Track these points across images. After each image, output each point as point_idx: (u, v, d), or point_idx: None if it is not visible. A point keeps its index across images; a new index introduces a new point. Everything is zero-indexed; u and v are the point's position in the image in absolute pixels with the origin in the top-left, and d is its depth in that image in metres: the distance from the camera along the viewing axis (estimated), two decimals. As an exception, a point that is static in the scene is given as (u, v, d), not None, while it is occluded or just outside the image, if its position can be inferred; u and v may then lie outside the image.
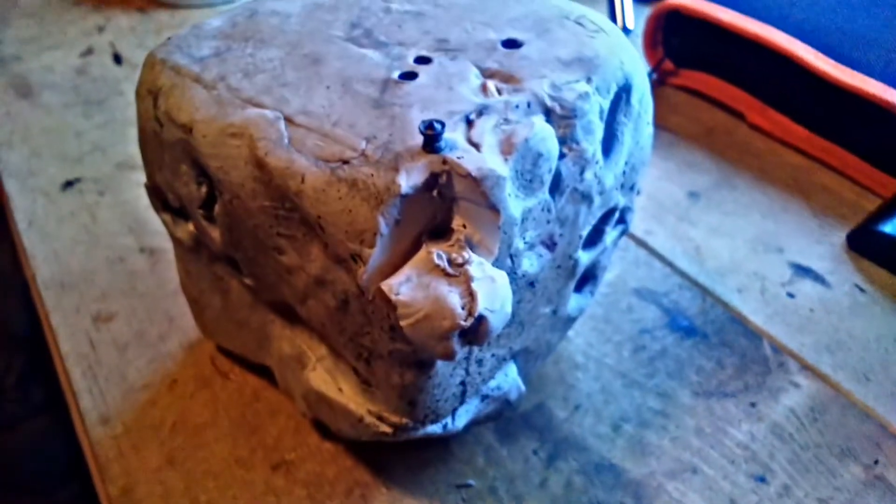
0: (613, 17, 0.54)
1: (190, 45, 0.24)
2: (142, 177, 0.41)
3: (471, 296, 0.19)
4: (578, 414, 0.29)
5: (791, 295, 0.34)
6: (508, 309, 0.19)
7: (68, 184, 0.40)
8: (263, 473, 0.27)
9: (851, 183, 0.40)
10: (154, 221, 0.38)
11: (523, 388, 0.26)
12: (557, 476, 0.27)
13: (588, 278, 0.28)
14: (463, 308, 0.19)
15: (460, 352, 0.19)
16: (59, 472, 1.34)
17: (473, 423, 0.26)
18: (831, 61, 0.40)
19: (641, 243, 0.37)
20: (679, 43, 0.48)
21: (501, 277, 0.20)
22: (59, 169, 0.41)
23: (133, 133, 0.44)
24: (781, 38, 0.42)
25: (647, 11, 0.57)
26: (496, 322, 0.19)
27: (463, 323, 0.19)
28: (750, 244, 0.37)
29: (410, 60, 0.23)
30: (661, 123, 0.45)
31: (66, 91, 0.48)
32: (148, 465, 0.27)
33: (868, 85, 0.39)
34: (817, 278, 0.35)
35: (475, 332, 0.19)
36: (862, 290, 0.34)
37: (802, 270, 0.35)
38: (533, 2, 0.26)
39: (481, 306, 0.19)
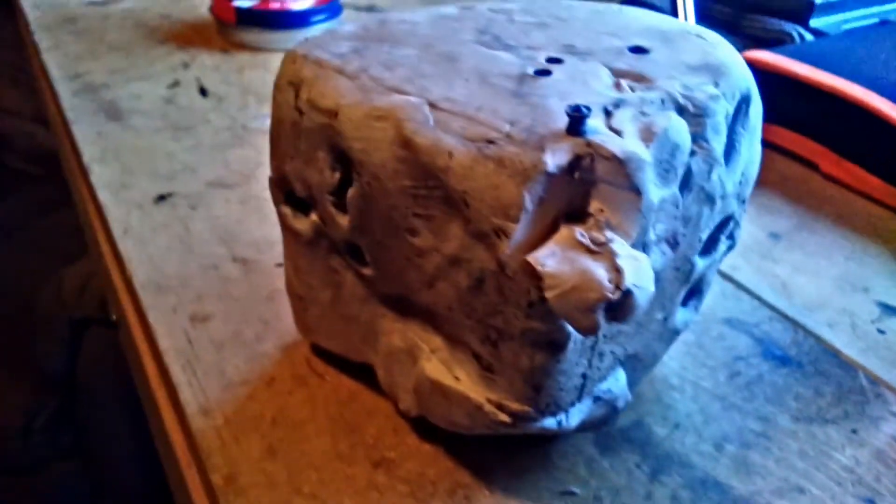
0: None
1: (328, 44, 0.26)
2: (231, 194, 0.42)
3: (617, 271, 0.19)
4: (679, 432, 0.28)
5: (882, 331, 0.34)
6: (652, 287, 0.20)
7: (161, 198, 0.41)
8: (365, 469, 0.27)
9: (932, 231, 0.41)
10: (245, 234, 0.39)
11: (630, 396, 0.26)
12: (663, 490, 0.26)
13: (694, 292, 0.28)
14: (610, 282, 0.19)
15: (604, 326, 0.19)
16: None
17: (582, 427, 0.25)
18: (908, 112, 0.41)
19: (727, 277, 0.37)
20: (751, 95, 0.49)
21: (643, 258, 0.20)
22: (151, 184, 0.43)
23: (221, 157, 0.45)
24: (857, 90, 0.43)
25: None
26: (642, 298, 0.19)
27: (611, 295, 0.19)
28: (835, 282, 0.37)
29: (542, 60, 0.24)
30: (734, 170, 0.46)
31: (154, 117, 0.50)
32: (250, 455, 0.27)
33: (948, 135, 0.39)
34: (907, 317, 0.35)
35: (621, 306, 0.19)
36: (954, 330, 0.34)
37: (891, 310, 0.35)
38: (653, 19, 0.27)
39: (628, 281, 0.19)
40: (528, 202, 0.20)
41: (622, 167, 0.20)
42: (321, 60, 0.25)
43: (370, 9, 0.71)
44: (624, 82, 0.23)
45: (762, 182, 0.45)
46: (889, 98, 0.43)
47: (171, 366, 0.31)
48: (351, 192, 0.24)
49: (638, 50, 0.25)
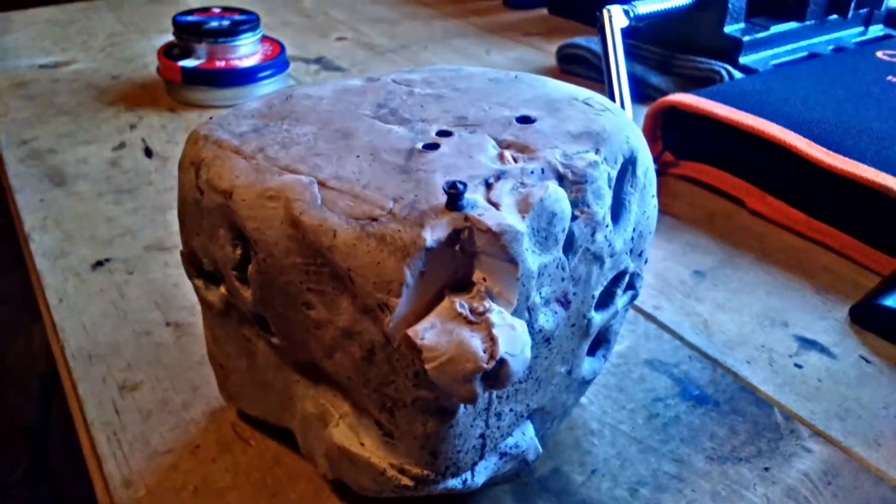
0: (616, 114, 0.57)
1: (230, 123, 0.27)
2: (169, 257, 0.43)
3: (492, 340, 0.20)
4: (595, 478, 0.29)
5: (799, 366, 0.35)
6: (528, 354, 0.21)
7: (98, 263, 0.42)
8: (284, 535, 0.27)
9: (851, 262, 0.42)
10: (180, 298, 0.39)
11: (540, 448, 0.27)
12: (575, 539, 0.27)
13: (601, 342, 0.29)
14: (485, 352, 0.20)
15: (482, 395, 0.20)
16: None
17: (491, 482, 0.26)
18: (823, 149, 0.43)
19: (651, 317, 0.38)
20: (677, 136, 0.51)
21: (521, 325, 0.21)
22: (89, 250, 0.43)
23: (162, 218, 0.46)
24: (775, 129, 0.45)
25: (645, 110, 0.60)
26: (516, 366, 0.20)
27: (485, 365, 0.20)
28: (756, 319, 0.38)
29: (433, 133, 0.25)
30: (663, 209, 0.47)
31: (98, 180, 0.51)
32: (170, 526, 0.27)
33: (860, 170, 0.41)
34: (823, 350, 0.36)
35: (497, 375, 0.20)
36: (868, 360, 0.35)
37: (808, 343, 0.36)
38: (544, 86, 0.28)
39: (502, 350, 0.20)
40: (409, 277, 0.21)
41: (498, 239, 0.21)
42: (220, 141, 0.26)
43: (318, 61, 0.73)
44: (508, 153, 0.24)
45: (688, 219, 0.46)
46: (806, 135, 0.44)
47: (97, 437, 0.31)
48: (250, 268, 0.24)
49: (524, 120, 0.26)
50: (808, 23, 0.64)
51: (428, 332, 0.20)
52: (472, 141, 0.25)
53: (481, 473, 0.25)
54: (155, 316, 0.38)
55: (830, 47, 0.65)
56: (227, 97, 0.61)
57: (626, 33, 0.62)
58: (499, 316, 0.21)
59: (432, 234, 0.21)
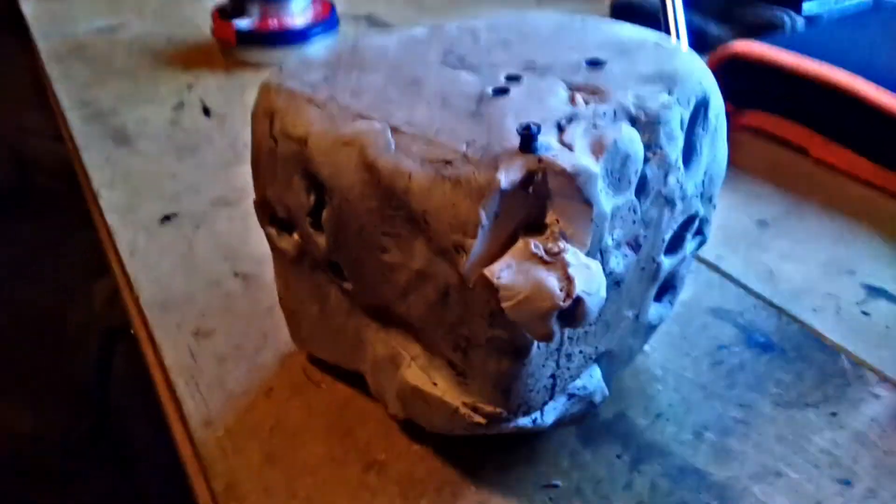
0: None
1: (300, 73, 0.27)
2: (234, 211, 0.44)
3: (568, 279, 0.20)
4: (660, 422, 0.30)
5: (866, 313, 0.34)
6: (603, 293, 0.21)
7: (166, 218, 0.43)
8: (357, 472, 0.28)
9: (920, 211, 0.41)
10: (246, 250, 0.40)
11: (607, 391, 0.27)
12: (642, 479, 0.27)
13: (668, 288, 0.29)
14: (561, 290, 0.20)
15: (558, 333, 0.21)
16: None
17: (559, 423, 0.27)
18: (892, 94, 0.42)
19: (714, 267, 0.37)
20: (740, 86, 0.49)
21: (595, 265, 0.21)
22: (157, 205, 0.45)
23: (224, 174, 0.47)
24: (842, 75, 0.44)
25: (705, 61, 0.59)
26: (592, 304, 0.20)
27: (562, 304, 0.20)
28: (822, 268, 0.37)
29: (501, 78, 0.25)
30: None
31: (160, 139, 0.52)
32: (250, 463, 0.29)
33: (932, 115, 0.40)
34: (891, 298, 0.35)
35: (573, 313, 0.20)
36: (939, 309, 0.34)
37: (876, 291, 0.36)
38: (613, 30, 0.28)
39: (579, 288, 0.20)
40: (484, 218, 0.21)
41: (572, 181, 0.21)
42: (293, 90, 0.26)
43: (368, 18, 0.73)
44: (579, 96, 0.24)
45: (751, 169, 0.45)
46: (874, 81, 0.43)
47: (176, 380, 0.33)
48: (325, 213, 0.25)
49: (594, 63, 0.26)
50: (874, -34, 0.62)
51: (504, 272, 0.21)
52: (541, 85, 0.25)
53: (550, 413, 0.26)
54: (223, 267, 0.39)
55: (898, -8, 0.62)
56: (280, 56, 0.62)
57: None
58: (574, 256, 0.21)
59: (507, 176, 0.21)
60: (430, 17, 0.73)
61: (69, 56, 0.66)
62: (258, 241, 0.41)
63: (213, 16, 0.64)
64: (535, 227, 0.22)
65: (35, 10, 0.79)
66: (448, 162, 0.22)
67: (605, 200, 0.22)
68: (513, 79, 0.25)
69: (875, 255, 0.38)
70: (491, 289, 0.21)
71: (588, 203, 0.22)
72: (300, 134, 0.25)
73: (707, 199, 0.28)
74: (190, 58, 0.65)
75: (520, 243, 0.22)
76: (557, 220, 0.22)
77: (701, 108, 0.26)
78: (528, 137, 0.21)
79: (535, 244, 0.21)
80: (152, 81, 0.61)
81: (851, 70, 0.44)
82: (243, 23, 0.61)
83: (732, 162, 0.46)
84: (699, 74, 0.26)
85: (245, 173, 0.47)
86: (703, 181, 0.27)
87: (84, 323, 1.21)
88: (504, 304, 0.21)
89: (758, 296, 0.36)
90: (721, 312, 0.35)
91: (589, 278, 0.21)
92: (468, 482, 0.27)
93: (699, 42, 0.61)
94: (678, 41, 0.53)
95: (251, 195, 0.45)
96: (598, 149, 0.22)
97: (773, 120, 0.48)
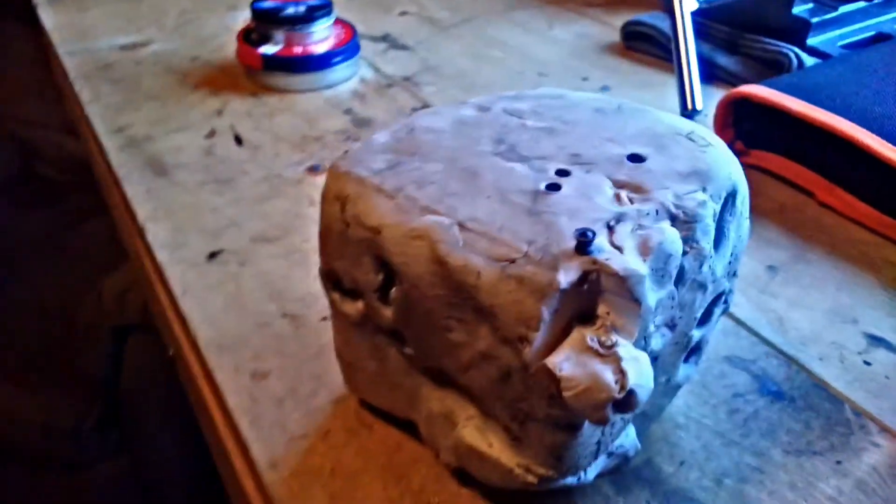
0: (683, 98, 0.58)
1: (366, 159, 0.30)
2: (273, 249, 0.46)
3: (622, 373, 0.23)
4: (684, 469, 0.33)
5: (868, 363, 0.38)
6: (651, 384, 0.24)
7: (212, 255, 0.46)
8: (414, 516, 0.31)
9: (917, 258, 0.44)
10: (290, 289, 0.43)
11: (639, 446, 0.31)
12: (670, 524, 0.31)
13: (694, 350, 0.32)
14: (616, 383, 0.23)
15: (612, 418, 0.24)
16: (131, 514, 1.39)
17: (599, 476, 0.30)
18: (892, 146, 0.45)
19: (729, 315, 0.41)
20: (749, 126, 0.53)
21: (644, 357, 0.24)
22: (201, 241, 0.47)
23: (261, 209, 0.50)
24: (846, 125, 0.46)
25: (713, 92, 0.62)
26: (643, 395, 0.23)
27: (617, 396, 0.23)
28: (827, 315, 0.41)
29: (552, 173, 0.28)
30: (735, 200, 0.49)
31: (196, 170, 0.54)
32: (315, 503, 0.32)
33: (930, 170, 0.43)
34: (890, 347, 0.39)
35: (627, 402, 0.23)
36: (933, 358, 0.38)
37: (876, 340, 0.39)
38: (645, 118, 0.31)
39: (631, 381, 0.23)
40: (546, 314, 0.24)
41: (624, 282, 0.24)
42: (362, 178, 0.29)
43: (384, 39, 0.75)
44: (623, 194, 0.27)
45: (761, 212, 0.48)
46: (877, 132, 0.46)
47: (240, 422, 0.36)
48: (394, 292, 0.28)
49: (635, 158, 0.29)
50: (875, 0, 0.64)
51: (565, 364, 0.24)
52: (589, 181, 0.28)
53: (592, 471, 0.29)
54: (271, 308, 0.42)
55: (898, 25, 0.65)
56: (306, 82, 0.64)
57: (695, 12, 0.63)
58: (625, 350, 0.24)
59: (565, 277, 0.24)
60: (444, 38, 0.75)
61: (97, 76, 0.68)
62: (301, 281, 0.44)
63: (238, 39, 0.66)
64: (587, 316, 0.25)
65: (55, 21, 0.81)
66: (512, 261, 0.25)
67: (651, 296, 0.25)
68: (562, 173, 0.28)
69: (875, 304, 0.41)
70: (552, 378, 0.24)
71: (637, 301, 0.24)
72: (373, 224, 0.27)
73: (732, 273, 0.31)
74: (216, 80, 0.67)
75: (576, 334, 0.25)
76: (608, 313, 0.25)
77: (730, 198, 0.29)
78: (584, 243, 0.24)
79: (591, 337, 0.24)
80: (182, 105, 0.63)
81: (855, 119, 0.47)
82: (269, 49, 0.64)
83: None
84: (728, 168, 0.29)
85: (281, 209, 0.50)
86: (730, 260, 0.30)
87: (94, 317, 1.23)
88: (565, 394, 0.24)
89: (769, 343, 0.39)
90: (736, 360, 0.38)
91: (639, 371, 0.24)
92: (514, 526, 0.31)
93: (708, 72, 0.64)
94: (682, 83, 0.56)
95: (289, 232, 0.48)
96: (645, 250, 0.25)
97: (781, 161, 0.51)
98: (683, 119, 0.31)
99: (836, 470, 0.33)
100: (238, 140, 0.58)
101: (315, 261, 0.45)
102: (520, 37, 0.75)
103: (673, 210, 0.26)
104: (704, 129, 0.31)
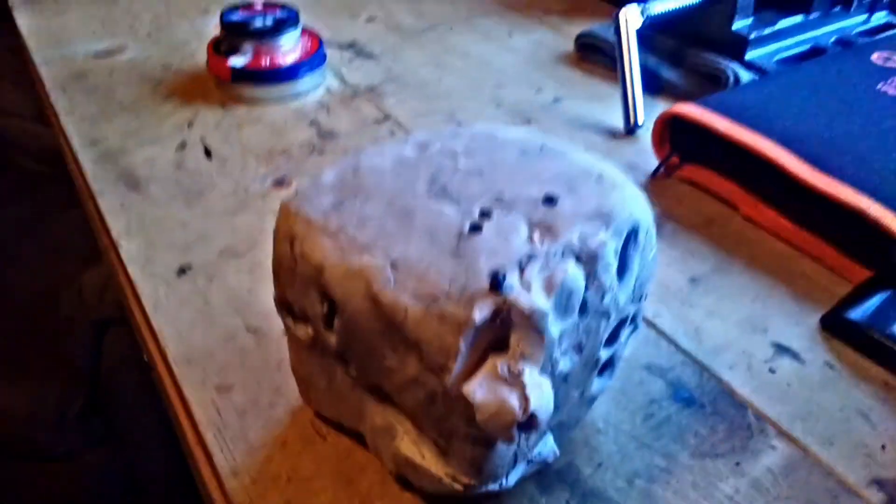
0: (627, 114, 0.62)
1: (313, 198, 0.33)
2: (240, 263, 0.50)
3: (525, 398, 0.27)
4: (600, 470, 0.37)
5: (772, 371, 0.42)
6: (551, 407, 0.28)
7: (182, 270, 0.49)
8: (360, 515, 0.35)
9: (828, 271, 0.48)
10: (255, 304, 0.47)
11: (558, 452, 0.35)
12: (584, 519, 0.35)
13: (607, 365, 0.36)
14: (520, 408, 0.27)
15: (517, 437, 0.28)
16: (116, 500, 1.43)
17: (520, 481, 0.34)
18: (808, 166, 0.49)
19: (651, 324, 0.45)
20: (683, 142, 0.56)
21: (546, 384, 0.28)
22: (171, 256, 0.50)
23: (229, 223, 0.53)
24: (768, 145, 0.50)
25: (657, 104, 0.66)
26: (543, 417, 0.27)
27: (520, 419, 0.27)
28: (740, 325, 0.45)
29: (476, 215, 0.32)
30: (667, 213, 0.53)
31: (168, 184, 0.57)
32: (272, 508, 0.36)
33: (839, 191, 0.47)
34: (795, 356, 0.43)
35: (529, 424, 0.27)
36: (831, 366, 0.42)
37: (783, 349, 0.43)
38: (563, 160, 0.35)
39: (533, 406, 0.27)
40: (463, 346, 0.28)
41: (530, 318, 0.28)
42: (308, 219, 0.32)
43: (352, 46, 0.78)
44: (536, 234, 0.31)
45: (688, 224, 0.52)
46: (796, 152, 0.50)
47: (205, 433, 0.39)
48: (336, 322, 0.32)
49: (549, 200, 0.32)
50: (812, 15, 0.68)
51: (478, 391, 0.28)
52: (507, 222, 0.31)
53: (513, 476, 0.33)
54: (236, 322, 0.46)
55: (833, 39, 0.69)
56: (273, 94, 0.67)
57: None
58: (530, 377, 0.28)
59: (480, 314, 0.28)
60: (409, 46, 0.78)
61: (72, 85, 0.71)
62: (265, 296, 0.47)
63: (208, 49, 0.69)
64: (501, 344, 0.29)
65: (30, 24, 0.83)
66: (435, 299, 0.29)
67: (554, 327, 0.29)
68: (485, 214, 0.32)
69: (786, 314, 0.45)
70: (468, 403, 0.28)
71: (542, 333, 0.28)
72: (317, 262, 0.31)
73: (637, 299, 0.35)
74: (187, 89, 0.70)
75: (489, 363, 0.29)
76: (518, 343, 0.29)
77: (632, 233, 0.32)
78: (496, 283, 0.28)
79: (501, 365, 0.28)
80: (154, 117, 0.66)
81: (777, 139, 0.51)
82: (238, 61, 0.66)
83: (673, 215, 0.53)
84: (631, 207, 0.32)
85: (248, 224, 0.53)
86: (634, 288, 0.34)
87: (74, 310, 1.26)
88: (478, 417, 0.27)
89: (685, 352, 0.43)
90: (654, 368, 0.42)
91: (541, 396, 0.28)
92: (448, 523, 0.35)
93: (654, 84, 0.67)
94: (626, 96, 0.60)
95: (255, 247, 0.51)
96: (549, 288, 0.29)
97: (710, 176, 0.55)
98: (596, 160, 0.35)
99: (735, 470, 0.37)
100: (207, 153, 0.61)
101: (277, 275, 0.49)
102: (480, 45, 0.79)
103: (577, 250, 0.30)
104: (614, 170, 0.34)
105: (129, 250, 0.51)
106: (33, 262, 1.51)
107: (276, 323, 0.45)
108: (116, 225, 0.53)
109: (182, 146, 0.62)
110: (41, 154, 1.73)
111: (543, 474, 0.37)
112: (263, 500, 0.36)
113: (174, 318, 0.46)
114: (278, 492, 0.36)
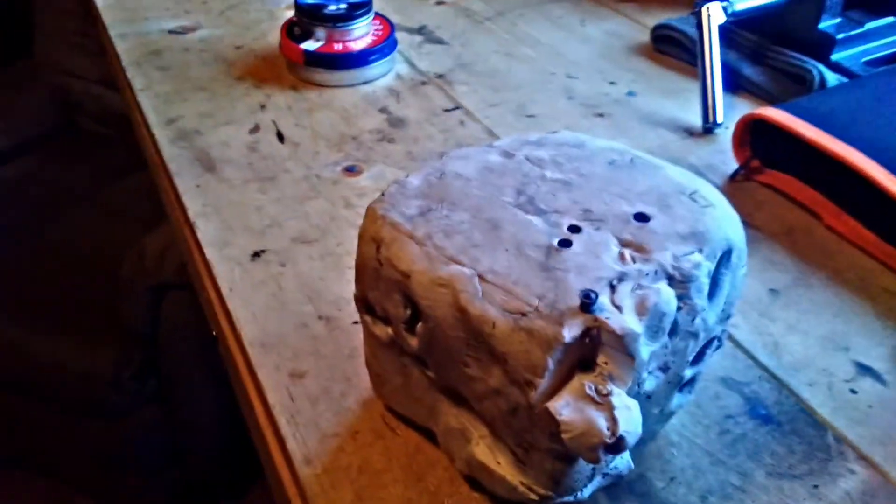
0: (706, 112, 0.61)
1: (400, 203, 0.33)
2: (311, 251, 0.50)
3: (614, 420, 0.27)
4: (673, 485, 0.37)
5: (854, 391, 0.41)
6: (640, 430, 0.27)
7: (256, 255, 0.50)
8: (430, 515, 0.36)
9: (914, 288, 0.47)
10: (326, 292, 0.47)
11: (633, 465, 0.34)
12: (656, 535, 0.35)
13: (689, 382, 0.36)
14: (608, 429, 0.27)
15: (603, 459, 0.28)
16: (163, 458, 1.48)
17: (594, 493, 0.34)
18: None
19: (729, 337, 0.44)
20: (765, 146, 0.55)
21: (635, 406, 0.28)
22: (246, 240, 0.51)
23: (302, 210, 0.54)
24: (855, 155, 0.49)
25: (737, 103, 0.64)
26: (631, 440, 0.27)
27: (608, 441, 0.27)
28: (821, 341, 0.44)
29: (565, 229, 0.32)
30: (747, 219, 0.52)
31: (242, 167, 0.58)
32: (344, 499, 0.36)
33: (932, 207, 0.45)
34: (877, 377, 0.42)
35: (616, 446, 0.27)
36: (915, 390, 0.41)
37: (864, 369, 0.42)
38: (656, 176, 0.34)
39: (621, 429, 0.27)
40: (551, 364, 0.28)
41: (621, 340, 0.28)
42: (395, 224, 0.32)
43: (420, 31, 0.77)
44: (627, 253, 0.30)
45: (769, 233, 0.51)
46: (885, 164, 0.48)
47: (279, 418, 0.40)
48: (419, 327, 0.32)
49: (641, 217, 0.32)
50: (905, 15, 0.65)
51: (564, 409, 0.28)
52: (597, 239, 0.31)
53: (588, 489, 0.33)
54: (308, 309, 0.46)
55: (926, 41, 0.66)
56: (345, 78, 0.67)
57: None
58: (618, 398, 0.28)
59: (570, 332, 0.28)
60: (479, 31, 0.77)
61: (146, 62, 0.72)
62: (335, 284, 0.48)
63: (281, 32, 0.69)
64: (588, 363, 0.29)
65: (105, -1, 0.84)
66: (524, 314, 0.28)
67: (644, 350, 0.29)
68: (574, 229, 0.31)
69: (868, 333, 0.44)
70: (553, 421, 0.28)
71: (632, 356, 0.28)
72: (404, 269, 0.31)
73: (725, 319, 0.34)
74: (260, 71, 0.70)
75: (575, 381, 0.28)
76: (606, 363, 0.28)
77: (726, 255, 0.32)
78: (587, 304, 0.28)
79: (589, 385, 0.28)
80: (228, 97, 0.66)
81: (866, 150, 0.49)
82: (311, 45, 0.67)
83: (753, 222, 0.52)
84: (726, 227, 0.32)
85: (319, 210, 0.54)
86: (724, 308, 0.33)
87: (134, 273, 1.29)
88: (564, 436, 0.27)
89: (763, 367, 0.42)
90: (731, 382, 0.41)
91: (629, 419, 0.27)
92: (518, 529, 0.35)
93: (733, 81, 0.66)
94: (705, 94, 0.58)
95: (326, 234, 0.51)
96: (642, 310, 0.28)
97: (792, 182, 0.54)
98: (690, 176, 0.34)
99: (813, 493, 0.36)
100: (280, 137, 0.61)
101: (347, 264, 0.49)
102: (552, 33, 0.77)
103: (670, 271, 0.30)
104: (709, 188, 0.34)
105: (205, 232, 0.52)
106: (95, 224, 1.56)
107: (348, 312, 0.46)
108: (193, 206, 0.54)
109: (255, 129, 0.62)
110: (104, 116, 1.77)
111: (615, 485, 0.36)
112: (335, 491, 0.37)
113: (248, 301, 0.47)
114: (350, 483, 0.37)
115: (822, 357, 0.43)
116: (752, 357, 0.43)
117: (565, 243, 0.31)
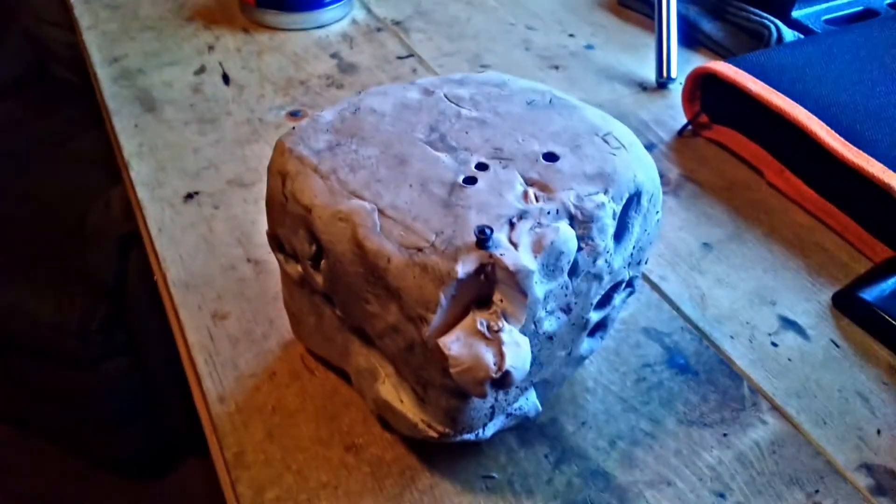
0: (660, 66, 0.60)
1: (310, 137, 0.33)
2: (247, 194, 0.50)
3: (501, 356, 0.27)
4: (584, 429, 0.37)
5: (775, 344, 0.41)
6: (527, 367, 0.27)
7: (189, 196, 0.49)
8: (338, 452, 0.36)
9: (848, 246, 0.47)
10: (257, 235, 0.46)
11: (540, 408, 0.34)
12: (561, 477, 0.35)
13: (599, 327, 0.35)
14: (495, 364, 0.27)
15: (490, 393, 0.27)
16: (133, 408, 1.48)
17: (498, 433, 0.34)
18: (841, 139, 0.47)
19: (655, 287, 0.44)
20: (713, 101, 0.54)
21: (525, 343, 0.28)
22: (180, 182, 0.50)
23: (241, 153, 0.53)
24: (800, 112, 0.48)
25: (693, 58, 0.63)
26: (518, 376, 0.27)
27: (494, 375, 0.27)
28: (748, 296, 0.44)
29: (472, 166, 0.31)
30: (689, 175, 0.52)
31: (183, 108, 0.57)
32: (254, 437, 0.36)
33: (870, 165, 0.45)
34: (800, 331, 0.42)
35: (503, 381, 0.27)
36: (837, 345, 0.41)
37: (789, 323, 0.42)
38: (571, 117, 0.33)
39: (508, 364, 0.27)
40: (443, 299, 0.28)
41: (514, 276, 0.27)
42: (302, 157, 0.32)
43: (382, -23, 0.75)
44: (531, 191, 0.30)
45: (709, 187, 0.51)
46: (829, 122, 0.48)
47: (196, 357, 0.40)
48: (322, 264, 0.31)
49: (549, 157, 0.31)
50: (869, -26, 0.64)
51: (454, 344, 0.27)
52: (503, 177, 0.30)
53: (490, 429, 0.33)
54: (237, 252, 0.46)
55: (889, 0, 0.65)
56: (298, 21, 0.65)
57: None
58: (508, 334, 0.27)
59: (463, 268, 0.27)
60: (442, -20, 0.75)
61: (96, 0, 0.70)
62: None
63: (234, -27, 0.67)
64: (484, 301, 0.28)
65: (62, -65, 0.81)
66: (420, 249, 0.28)
67: (539, 288, 0.28)
68: (482, 167, 0.31)
69: (797, 288, 0.44)
70: (443, 356, 0.27)
71: (524, 293, 0.28)
72: (306, 203, 0.30)
73: (636, 263, 0.34)
74: (211, 12, 0.69)
75: (469, 318, 0.28)
76: (501, 300, 0.28)
77: (634, 197, 0.31)
78: (482, 240, 0.27)
79: (481, 321, 0.28)
80: (176, 39, 0.65)
81: (811, 107, 0.49)
82: (263, -14, 0.65)
83: (694, 177, 0.52)
84: (634, 170, 0.31)
85: (259, 153, 0.53)
86: (633, 253, 0.33)
87: (102, 224, 1.28)
88: (451, 370, 0.27)
89: (687, 318, 0.42)
90: (652, 332, 0.41)
91: (517, 355, 0.27)
92: (424, 468, 0.35)
93: (691, 36, 0.65)
94: (661, 48, 0.57)
95: (263, 179, 0.51)
96: (538, 248, 0.28)
97: (737, 138, 0.53)
98: (607, 118, 0.34)
99: (721, 441, 0.36)
100: (225, 79, 0.60)
101: (283, 208, 0.49)
102: (516, -16, 0.76)
103: (573, 210, 0.29)
104: (625, 130, 0.33)
105: (139, 172, 0.51)
106: (64, 174, 1.53)
107: (277, 256, 0.45)
108: (129, 145, 0.53)
109: (201, 70, 0.61)
110: (78, 64, 1.73)
111: (526, 428, 0.37)
112: (246, 429, 0.36)
113: (177, 242, 0.46)
114: (262, 421, 0.37)
115: (747, 310, 0.43)
116: (677, 308, 0.43)
117: (470, 180, 0.30)
